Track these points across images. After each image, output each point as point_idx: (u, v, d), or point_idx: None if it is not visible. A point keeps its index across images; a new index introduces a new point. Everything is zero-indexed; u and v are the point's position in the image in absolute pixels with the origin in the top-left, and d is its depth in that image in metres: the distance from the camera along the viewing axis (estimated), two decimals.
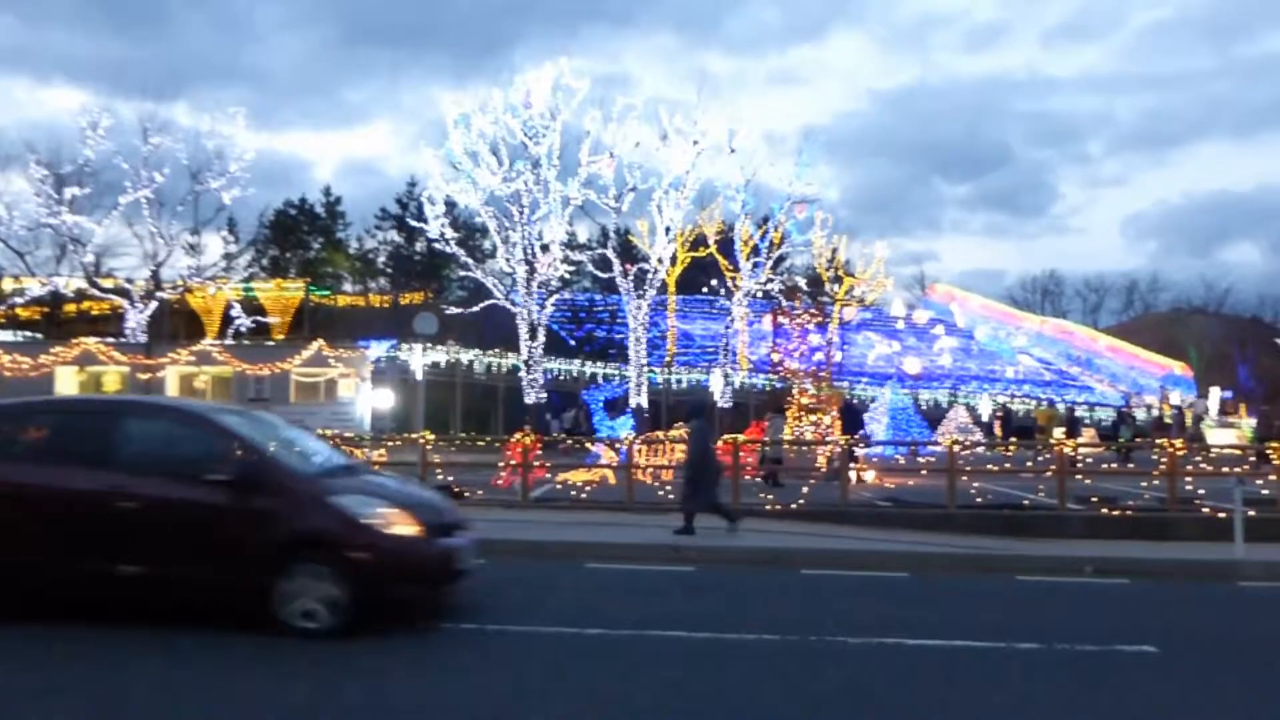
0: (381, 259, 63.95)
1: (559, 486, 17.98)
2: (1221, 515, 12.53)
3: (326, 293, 52.20)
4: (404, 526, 7.42)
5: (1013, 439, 30.34)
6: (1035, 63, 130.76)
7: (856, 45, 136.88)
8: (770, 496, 15.90)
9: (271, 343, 34.65)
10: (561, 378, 40.63)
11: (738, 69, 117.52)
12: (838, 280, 40.37)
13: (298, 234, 62.10)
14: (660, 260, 33.06)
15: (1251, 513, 12.92)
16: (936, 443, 23.56)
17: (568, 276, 35.32)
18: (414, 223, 39.31)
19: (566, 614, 8.31)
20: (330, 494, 7.51)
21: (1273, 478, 15.05)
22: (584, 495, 16.79)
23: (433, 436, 16.82)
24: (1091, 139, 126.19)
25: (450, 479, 17.13)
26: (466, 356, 38.08)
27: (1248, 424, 39.41)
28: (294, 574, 7.12)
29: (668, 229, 32.91)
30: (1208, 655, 7.41)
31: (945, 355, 54.49)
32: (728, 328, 39.41)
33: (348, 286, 60.11)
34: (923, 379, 48.41)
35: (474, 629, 7.66)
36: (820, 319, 32.30)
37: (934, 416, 34.41)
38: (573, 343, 48.11)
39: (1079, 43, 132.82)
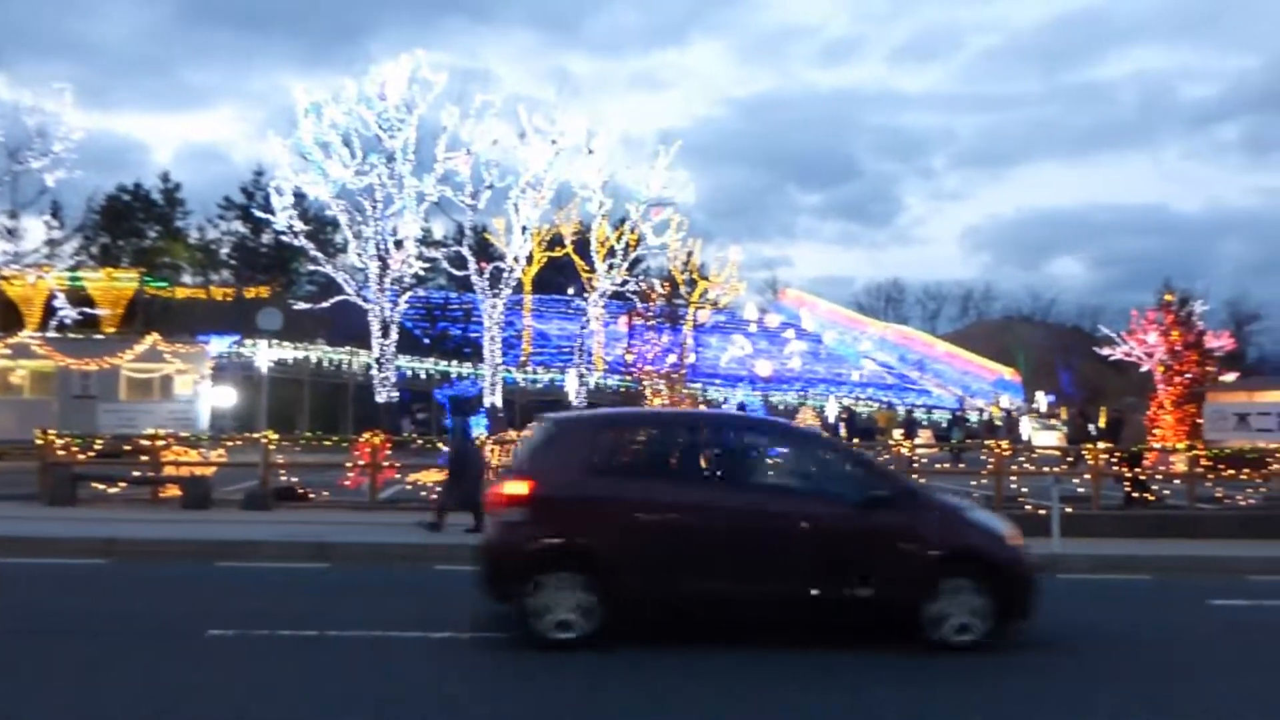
0: (225, 250, 61.08)
1: (409, 487, 17.60)
2: (1042, 512, 13.34)
3: (164, 284, 49.43)
4: (1019, 539, 7.63)
5: (855, 440, 31.55)
6: (885, 79, 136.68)
7: (716, 52, 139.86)
8: None
9: (100, 336, 32.57)
10: (414, 376, 39.85)
11: (598, 70, 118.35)
12: (692, 283, 41.06)
13: (132, 221, 58.61)
14: (516, 259, 32.88)
15: (1069, 509, 13.86)
16: None
17: (422, 273, 34.66)
18: (260, 214, 37.77)
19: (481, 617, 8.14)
20: (965, 510, 7.90)
21: (1088, 476, 16.14)
22: (434, 496, 16.50)
23: (276, 436, 16.20)
24: (935, 154, 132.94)
25: (294, 480, 16.55)
26: (315, 354, 36.84)
27: (1067, 426, 42.15)
28: (942, 590, 7.16)
29: (524, 228, 32.75)
30: (1031, 644, 7.89)
31: (795, 358, 56.20)
32: (583, 328, 39.52)
33: (187, 278, 57.13)
34: (773, 381, 49.78)
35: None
36: (675, 321, 32.78)
37: (784, 418, 35.41)
38: (427, 341, 47.25)
39: (924, 62, 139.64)
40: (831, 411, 41.95)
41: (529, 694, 6.09)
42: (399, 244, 30.74)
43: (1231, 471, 16.92)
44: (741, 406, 29.89)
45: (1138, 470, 16.39)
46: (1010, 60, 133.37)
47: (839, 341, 62.11)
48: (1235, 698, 6.37)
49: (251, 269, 56.94)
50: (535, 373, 42.96)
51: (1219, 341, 32.46)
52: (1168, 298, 31.48)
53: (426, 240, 33.81)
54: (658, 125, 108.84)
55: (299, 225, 31.20)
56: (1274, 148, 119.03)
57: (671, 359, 26.49)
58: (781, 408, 41.94)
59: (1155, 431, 27.26)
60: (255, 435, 16.51)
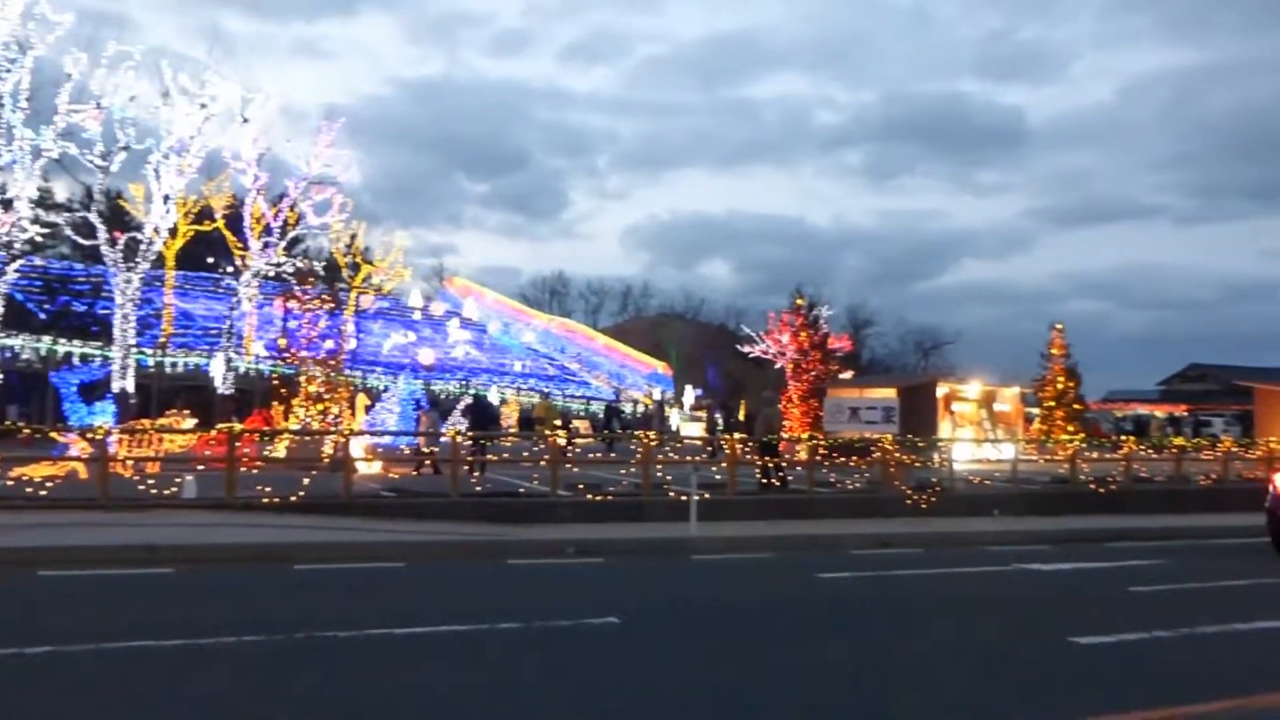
0: None
1: (10, 484, 15.48)
2: (684, 498, 14.29)
3: None
4: None
5: (514, 429, 32.02)
6: (554, 76, 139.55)
7: (386, 29, 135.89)
8: (268, 489, 15.10)
9: None
10: (26, 356, 35.07)
11: (256, 32, 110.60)
12: (355, 267, 39.63)
13: None
14: (157, 230, 29.90)
15: (706, 495, 14.96)
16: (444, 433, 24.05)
17: (39, 239, 30.52)
18: None
19: (3, 631, 7.20)
20: None
21: (724, 464, 17.51)
22: (44, 493, 14.66)
23: None
24: (599, 154, 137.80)
25: None
26: None
27: (711, 418, 45.42)
28: None
29: (167, 197, 29.85)
30: (660, 620, 8.42)
31: (459, 347, 55.96)
32: (233, 309, 36.83)
33: None
34: (436, 370, 49.26)
35: None
36: (335, 305, 31.41)
37: (448, 408, 35.11)
38: (44, 316, 41.81)
39: (592, 63, 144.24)
40: (495, 401, 42.27)
41: None
42: (7, 204, 26.86)
43: (844, 459, 19.09)
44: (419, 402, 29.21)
45: (770, 459, 18.00)
46: (673, 70, 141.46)
47: (503, 332, 62.66)
48: (817, 655, 7.20)
49: None
50: (176, 355, 39.39)
51: (840, 343, 36.47)
52: (798, 302, 34.86)
53: (45, 202, 29.84)
54: (321, 99, 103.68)
55: None
56: (890, 175, 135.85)
57: (329, 345, 25.34)
58: (444, 396, 41.62)
59: (784, 423, 30.03)
60: None
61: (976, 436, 27.93)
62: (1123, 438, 25.14)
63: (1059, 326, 38.72)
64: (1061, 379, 37.86)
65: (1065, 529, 15.72)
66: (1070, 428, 34.99)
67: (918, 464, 18.69)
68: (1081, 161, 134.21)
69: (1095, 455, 22.00)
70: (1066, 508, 17.96)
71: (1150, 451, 23.29)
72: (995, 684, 6.52)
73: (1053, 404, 37.43)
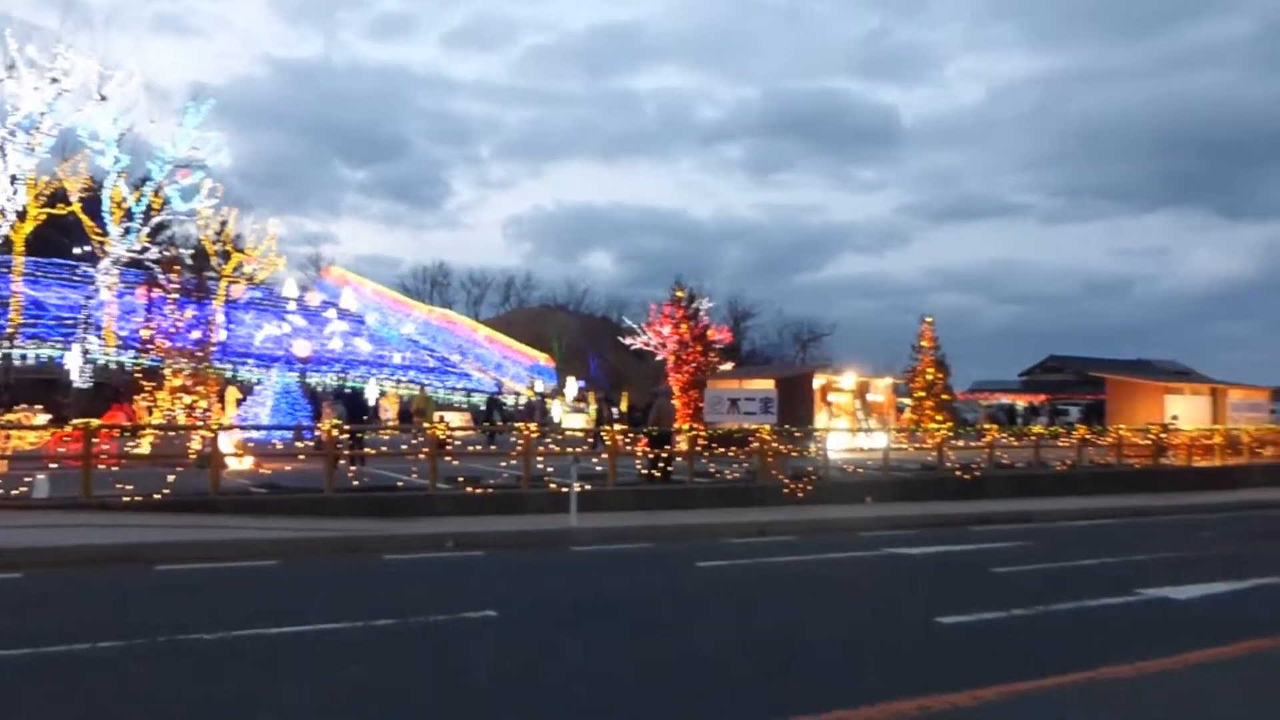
0: None
1: None
2: (564, 490, 14.27)
3: None
4: None
5: (392, 422, 31.43)
6: (437, 62, 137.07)
7: (259, 7, 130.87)
8: (129, 487, 14.40)
9: None
10: None
11: (116, 4, 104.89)
12: (226, 255, 38.06)
13: None
14: (4, 213, 28.12)
15: (588, 487, 14.99)
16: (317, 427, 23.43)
17: None
18: None
19: None
20: None
21: (605, 456, 17.56)
22: None
23: None
24: (482, 142, 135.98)
25: None
26: None
27: (593, 409, 45.51)
28: None
29: (15, 177, 28.13)
30: (538, 613, 8.40)
31: (336, 339, 54.50)
32: (90, 298, 34.94)
33: None
34: (312, 362, 47.86)
35: None
36: (203, 295, 30.14)
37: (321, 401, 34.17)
38: None
39: (476, 50, 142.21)
40: (373, 394, 41.34)
41: None
42: None
43: (723, 450, 19.39)
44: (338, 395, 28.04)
45: (658, 450, 18.13)
46: (558, 60, 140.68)
47: (382, 323, 61.32)
48: (691, 641, 7.32)
49: None
50: (26, 347, 37.14)
51: (720, 335, 36.98)
52: (679, 294, 35.17)
53: None
54: (188, 78, 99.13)
55: None
56: (769, 169, 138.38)
57: (197, 335, 24.29)
58: (320, 389, 40.49)
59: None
60: None
61: (851, 426, 28.77)
62: (988, 426, 26.32)
63: (929, 319, 40.14)
64: (931, 370, 39.27)
65: (933, 514, 16.36)
66: (939, 417, 36.38)
67: (794, 453, 19.14)
68: (953, 160, 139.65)
69: (961, 443, 22.95)
70: (934, 494, 18.70)
71: (1012, 439, 24.41)
72: (862, 662, 6.74)
73: (923, 394, 38.79)
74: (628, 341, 38.36)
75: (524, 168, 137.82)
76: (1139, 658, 6.68)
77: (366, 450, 19.73)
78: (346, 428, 18.91)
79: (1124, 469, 22.87)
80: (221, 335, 33.88)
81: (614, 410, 36.36)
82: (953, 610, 8.35)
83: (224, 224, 38.43)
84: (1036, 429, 27.41)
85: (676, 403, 31.88)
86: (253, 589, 9.47)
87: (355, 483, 15.97)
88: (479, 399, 49.10)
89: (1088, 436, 23.88)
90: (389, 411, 36.04)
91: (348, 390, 31.20)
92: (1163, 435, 24.62)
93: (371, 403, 37.96)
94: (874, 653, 7.11)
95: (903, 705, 5.42)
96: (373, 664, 6.48)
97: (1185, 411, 27.79)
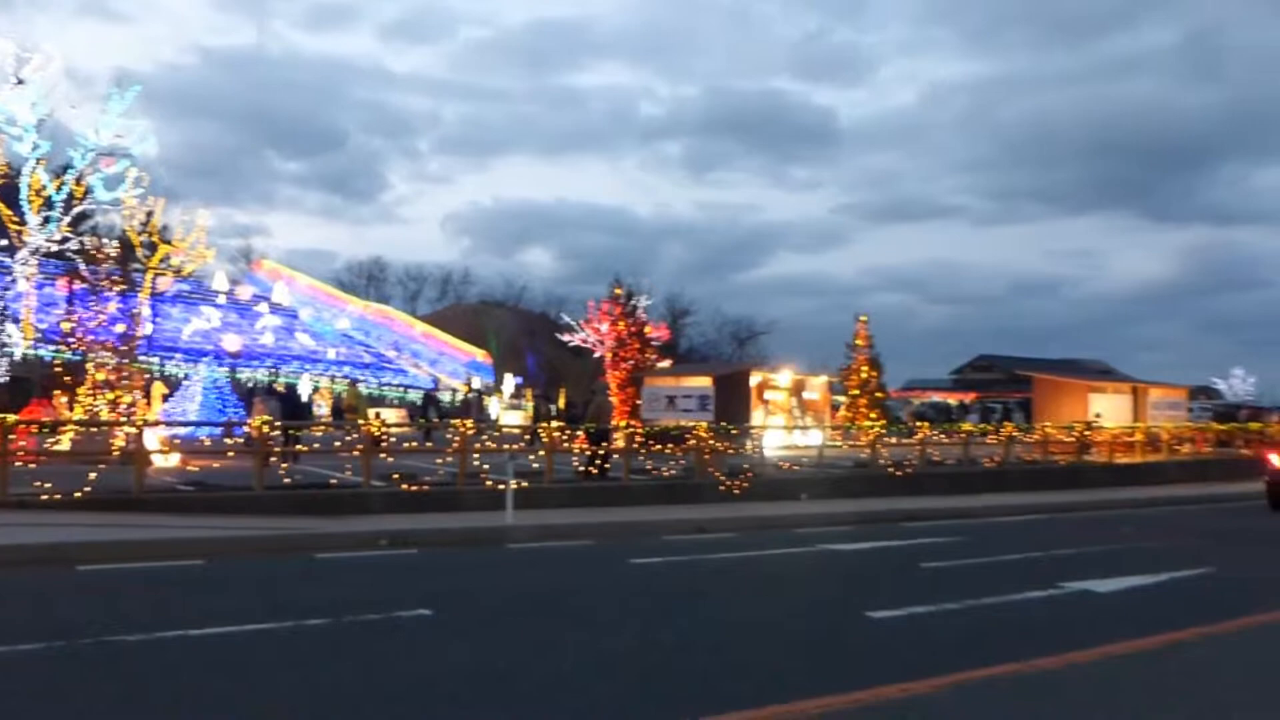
0: None
1: None
2: (500, 487, 14.19)
3: None
4: None
5: (326, 418, 30.96)
6: (374, 54, 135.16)
7: None
8: (48, 485, 13.96)
9: None
10: None
11: None
12: (152, 246, 37.05)
13: None
14: None
15: (524, 484, 14.92)
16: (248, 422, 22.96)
17: None
18: None
19: None
20: None
21: (542, 453, 17.51)
22: None
23: None
24: (420, 136, 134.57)
25: None
26: None
27: (531, 407, 45.36)
28: None
29: None
30: (473, 611, 8.34)
31: (268, 334, 53.46)
32: (7, 289, 33.72)
33: None
34: (243, 357, 46.89)
35: None
36: (128, 287, 29.31)
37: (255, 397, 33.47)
38: None
39: (414, 43, 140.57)
40: (306, 389, 40.63)
41: None
42: None
43: (660, 447, 19.46)
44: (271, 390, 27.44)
45: (596, 447, 18.12)
46: (498, 55, 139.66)
47: (316, 318, 60.27)
48: (625, 637, 7.34)
49: None
50: None
51: (658, 332, 37.07)
52: (617, 291, 35.20)
53: None
54: (113, 63, 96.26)
55: None
56: (708, 168, 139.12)
57: (121, 329, 23.61)
58: (251, 385, 39.67)
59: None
60: None
61: (787, 424, 29.09)
62: (919, 423, 26.81)
63: (864, 318, 40.76)
64: (865, 368, 39.88)
65: (866, 510, 16.62)
66: (873, 415, 36.93)
67: (731, 451, 19.29)
68: (889, 162, 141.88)
69: (894, 440, 23.35)
70: (868, 490, 19.00)
71: (943, 436, 24.90)
72: (794, 657, 6.82)
73: (857, 392, 39.41)
74: (566, 338, 38.32)
75: (463, 162, 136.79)
76: (1064, 649, 6.85)
77: (299, 447, 19.39)
78: (278, 424, 18.57)
79: (1050, 465, 23.49)
80: (147, 329, 33.00)
81: (551, 407, 36.25)
82: (884, 605, 8.49)
83: (150, 214, 37.38)
84: (966, 426, 28.00)
85: (615, 398, 31.93)
86: (179, 589, 9.25)
87: (287, 480, 15.69)
88: (415, 395, 48.56)
89: (1015, 434, 24.46)
90: (323, 407, 35.53)
91: (282, 386, 30.48)
92: (1087, 433, 25.33)
93: (305, 398, 37.34)
94: (806, 648, 7.20)
95: (834, 700, 5.49)
96: (303, 664, 6.37)
97: (1108, 410, 28.62)
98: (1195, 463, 26.97)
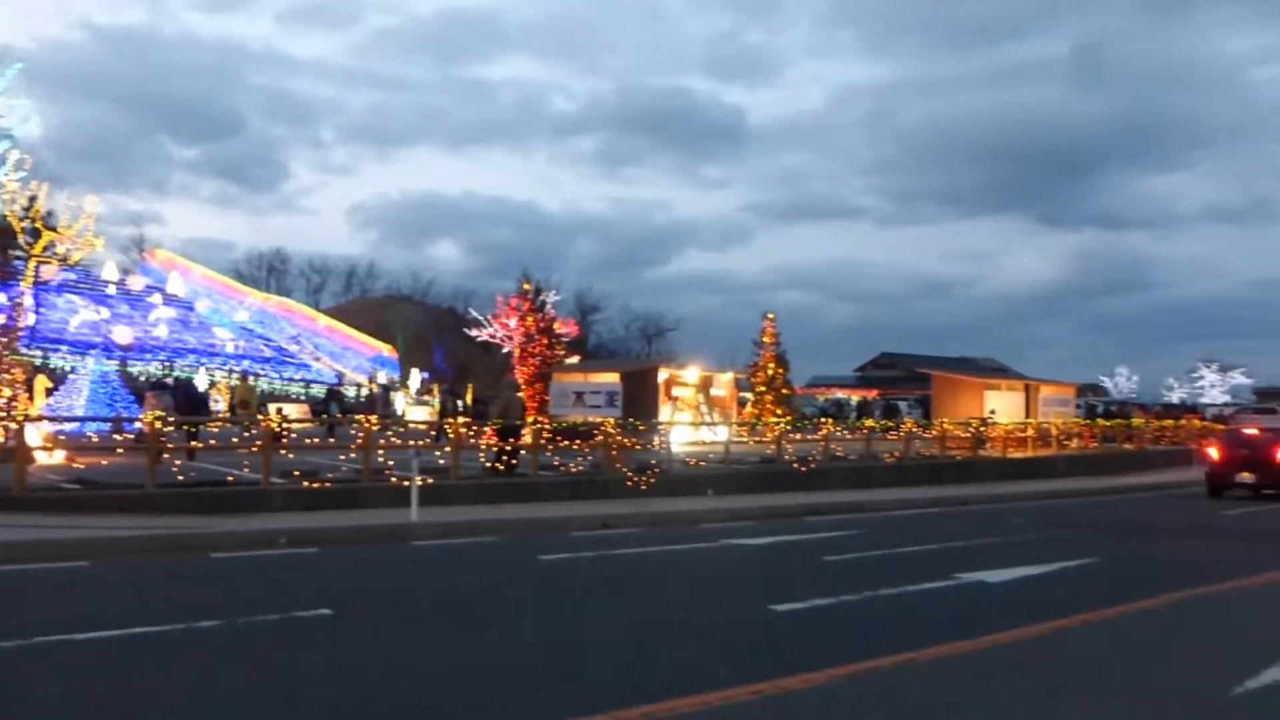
0: None
1: None
2: (405, 484, 13.95)
3: None
4: None
5: (224, 413, 30.03)
6: (273, 38, 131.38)
7: None
8: None
9: None
10: None
11: None
12: (35, 233, 35.37)
13: None
14: None
15: (430, 480, 14.70)
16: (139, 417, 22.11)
17: None
18: None
19: None
20: None
21: (448, 449, 17.27)
22: None
23: None
24: (323, 125, 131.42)
25: None
26: None
27: (438, 402, 44.76)
28: None
29: None
30: (374, 610, 8.19)
31: (161, 326, 51.55)
32: None
33: None
34: (134, 350, 45.13)
35: None
36: (9, 275, 27.93)
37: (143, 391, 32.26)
38: None
39: (316, 29, 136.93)
40: (203, 384, 39.35)
41: None
42: None
43: (568, 443, 19.40)
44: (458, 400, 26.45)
45: (506, 443, 17.94)
46: (405, 43, 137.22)
47: (213, 310, 58.37)
48: (523, 634, 7.31)
49: None
50: None
51: (566, 328, 36.97)
52: (525, 286, 34.99)
53: None
54: None
55: None
56: (619, 164, 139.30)
57: (1, 320, 22.50)
58: (143, 379, 38.24)
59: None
60: None
61: (694, 420, 29.34)
62: (823, 419, 27.32)
63: (770, 316, 41.36)
64: (772, 365, 40.49)
65: (771, 505, 16.86)
66: (779, 411, 37.51)
67: (638, 447, 19.35)
68: (796, 162, 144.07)
69: (799, 436, 23.73)
70: (773, 485, 19.28)
71: (846, 432, 25.42)
72: (699, 650, 6.87)
73: (763, 389, 39.98)
74: (474, 333, 37.92)
75: (368, 152, 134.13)
76: (958, 638, 7.06)
77: (194, 444, 18.75)
78: (171, 419, 17.92)
79: (947, 460, 24.19)
80: (30, 319, 31.52)
81: (459, 402, 35.83)
82: (787, 598, 8.62)
83: (33, 199, 35.70)
84: (868, 422, 28.66)
85: (522, 394, 31.73)
86: (61, 592, 8.85)
87: (180, 478, 15.14)
88: (319, 390, 47.46)
89: (914, 430, 25.13)
90: (220, 402, 34.46)
91: (176, 380, 29.48)
92: (981, 429, 26.18)
93: (202, 392, 36.13)
94: (710, 641, 7.26)
95: (736, 691, 5.55)
96: (195, 667, 6.16)
97: (1002, 406, 29.64)
98: (1082, 458, 28.18)
